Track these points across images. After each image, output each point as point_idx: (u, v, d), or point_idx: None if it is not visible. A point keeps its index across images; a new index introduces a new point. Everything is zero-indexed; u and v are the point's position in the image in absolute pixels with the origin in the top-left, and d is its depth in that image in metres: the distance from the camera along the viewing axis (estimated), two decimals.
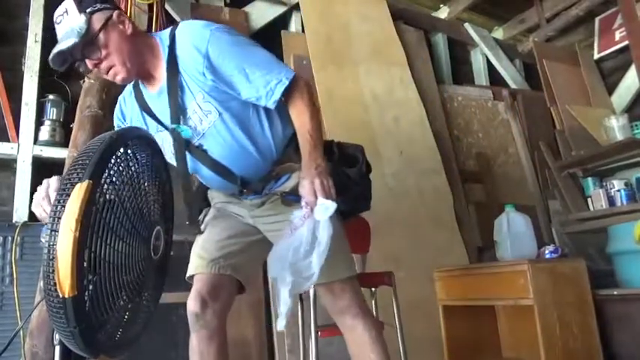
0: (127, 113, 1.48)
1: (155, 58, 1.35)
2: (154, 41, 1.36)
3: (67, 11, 1.25)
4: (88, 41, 1.24)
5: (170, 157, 1.39)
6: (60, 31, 1.26)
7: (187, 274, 1.44)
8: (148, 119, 1.41)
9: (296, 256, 1.15)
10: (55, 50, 1.24)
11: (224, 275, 1.39)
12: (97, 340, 0.90)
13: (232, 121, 1.33)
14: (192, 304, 1.34)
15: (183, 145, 1.36)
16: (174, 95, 1.33)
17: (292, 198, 1.34)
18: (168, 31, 1.37)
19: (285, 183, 1.40)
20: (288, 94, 1.29)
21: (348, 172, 1.43)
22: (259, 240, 1.47)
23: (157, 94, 1.37)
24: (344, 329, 1.37)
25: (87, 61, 1.27)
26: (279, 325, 1.15)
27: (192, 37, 1.30)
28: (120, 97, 1.51)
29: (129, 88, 1.48)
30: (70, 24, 1.24)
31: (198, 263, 1.41)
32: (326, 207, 1.16)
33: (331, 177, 1.23)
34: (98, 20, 1.26)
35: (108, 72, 1.29)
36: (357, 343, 1.34)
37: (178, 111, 1.33)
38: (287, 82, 1.28)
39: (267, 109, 1.37)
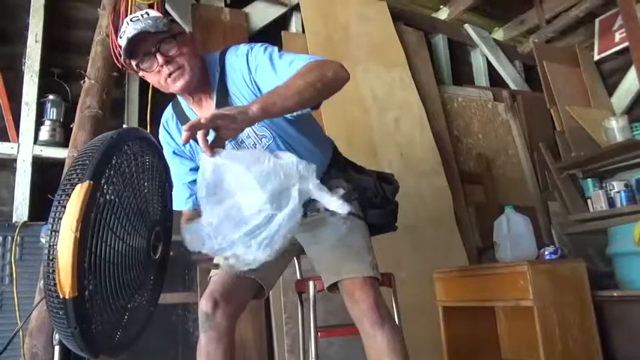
0: (174, 136, 1.48)
1: (206, 82, 1.37)
2: (206, 65, 1.38)
3: (147, 13, 1.29)
4: (168, 36, 1.27)
5: None
6: (136, 26, 1.24)
7: (211, 275, 1.45)
8: (196, 145, 1.41)
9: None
10: (134, 31, 1.23)
11: (244, 278, 1.39)
12: (97, 340, 0.90)
13: (285, 145, 1.36)
14: (203, 304, 1.35)
15: None
16: None
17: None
18: (217, 54, 1.40)
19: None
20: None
21: (385, 188, 1.47)
22: (291, 248, 1.50)
23: None
24: (362, 334, 1.33)
25: (158, 55, 1.26)
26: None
27: (238, 57, 1.34)
28: (162, 123, 1.50)
29: (169, 112, 1.49)
30: (153, 17, 1.26)
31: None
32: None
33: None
34: (177, 27, 1.34)
35: (172, 74, 1.29)
36: (374, 349, 1.30)
37: None
38: (308, 60, 1.23)
39: (312, 132, 1.43)
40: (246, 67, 1.32)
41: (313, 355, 1.50)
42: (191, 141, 1.40)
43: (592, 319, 2.22)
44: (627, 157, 3.27)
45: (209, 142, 1.02)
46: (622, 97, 3.83)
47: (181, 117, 1.43)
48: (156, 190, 1.16)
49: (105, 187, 0.91)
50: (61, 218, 0.84)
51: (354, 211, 1.43)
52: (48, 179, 2.20)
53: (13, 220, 2.13)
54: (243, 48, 1.36)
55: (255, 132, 1.36)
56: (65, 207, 0.84)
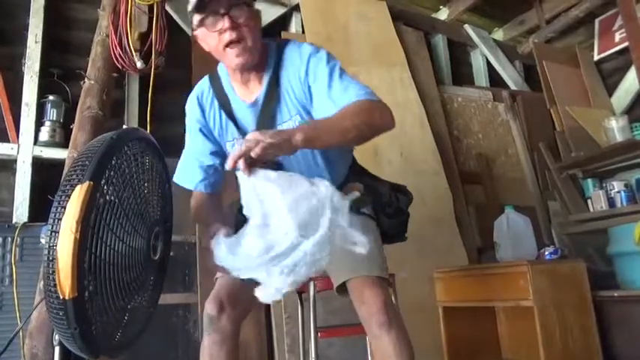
0: (206, 110, 1.43)
1: (260, 66, 1.35)
2: (264, 50, 1.36)
3: None
4: (242, 2, 1.24)
5: None
6: None
7: (217, 276, 1.44)
8: (230, 125, 1.40)
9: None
10: None
11: (250, 281, 1.38)
12: (97, 340, 0.90)
13: (316, 150, 1.36)
14: (209, 307, 1.33)
15: None
16: (267, 107, 1.33)
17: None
18: (275, 43, 1.38)
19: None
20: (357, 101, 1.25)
21: (400, 198, 1.49)
22: None
23: (250, 104, 1.36)
24: (369, 335, 1.32)
25: (226, 18, 1.22)
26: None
27: (300, 55, 1.33)
28: (195, 94, 1.45)
29: (206, 84, 1.44)
30: None
31: None
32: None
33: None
34: (252, 1, 1.30)
35: (234, 43, 1.25)
36: (381, 351, 1.28)
37: (268, 124, 1.33)
38: (361, 97, 1.26)
39: None
40: (305, 68, 1.31)
41: (313, 356, 1.50)
42: (222, 124, 1.40)
43: (592, 319, 2.22)
44: (627, 157, 3.27)
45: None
46: (622, 97, 3.83)
47: (219, 93, 1.40)
48: (156, 190, 1.16)
49: (105, 187, 0.91)
50: (60, 219, 0.84)
51: (367, 212, 1.43)
52: (48, 180, 2.20)
53: (13, 221, 2.13)
54: (306, 47, 1.35)
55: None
56: (65, 208, 0.84)
